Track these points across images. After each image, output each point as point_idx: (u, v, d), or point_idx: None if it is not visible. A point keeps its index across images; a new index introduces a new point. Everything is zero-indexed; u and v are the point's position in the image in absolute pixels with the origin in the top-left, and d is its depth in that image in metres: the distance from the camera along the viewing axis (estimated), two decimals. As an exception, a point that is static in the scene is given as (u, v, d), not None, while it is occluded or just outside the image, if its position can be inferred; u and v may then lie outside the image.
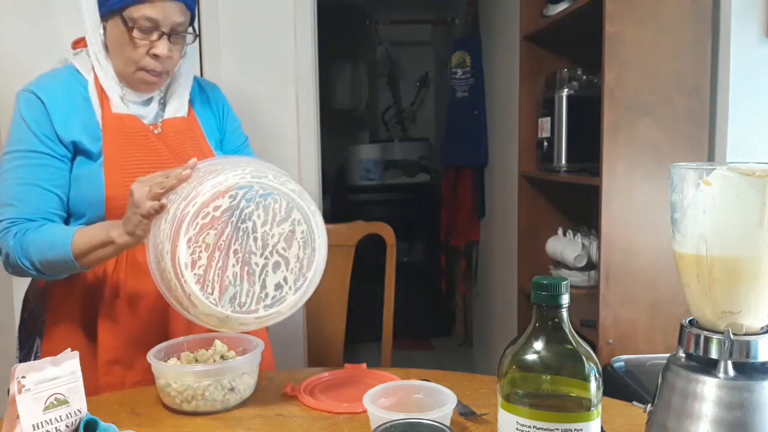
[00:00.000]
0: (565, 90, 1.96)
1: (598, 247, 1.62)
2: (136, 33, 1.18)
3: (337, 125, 4.26)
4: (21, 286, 2.17)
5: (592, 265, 2.02)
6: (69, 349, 0.88)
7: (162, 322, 1.25)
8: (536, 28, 2.13)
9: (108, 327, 1.22)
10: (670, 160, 1.00)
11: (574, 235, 2.09)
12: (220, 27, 2.20)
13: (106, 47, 1.24)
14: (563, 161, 1.98)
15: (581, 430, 0.66)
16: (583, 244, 2.04)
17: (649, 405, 0.73)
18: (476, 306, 3.64)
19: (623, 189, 1.58)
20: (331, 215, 3.73)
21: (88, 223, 1.22)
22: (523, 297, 2.35)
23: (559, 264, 2.15)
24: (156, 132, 1.28)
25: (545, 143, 2.05)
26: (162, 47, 1.20)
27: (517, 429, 0.67)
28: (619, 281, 1.60)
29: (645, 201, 1.58)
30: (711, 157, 1.60)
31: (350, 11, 4.27)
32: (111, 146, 1.23)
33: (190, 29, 1.26)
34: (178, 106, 1.31)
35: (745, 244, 0.64)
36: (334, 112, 4.30)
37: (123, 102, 1.26)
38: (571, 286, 0.98)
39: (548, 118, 2.03)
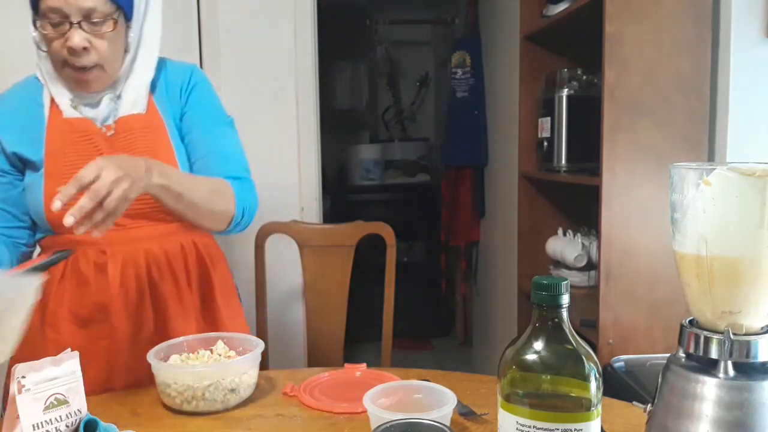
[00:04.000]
0: (565, 90, 1.96)
1: (598, 247, 1.62)
2: (47, 27, 1.11)
3: (337, 125, 4.26)
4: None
5: (592, 265, 2.02)
6: (69, 349, 0.88)
7: (106, 333, 1.20)
8: (536, 28, 2.13)
9: (52, 337, 1.19)
10: (670, 160, 1.00)
11: (574, 235, 2.09)
12: (220, 27, 2.20)
13: (41, 48, 1.18)
14: (563, 161, 1.98)
15: (581, 430, 0.66)
16: (583, 244, 2.04)
17: (649, 405, 0.73)
18: (476, 306, 3.64)
19: (623, 189, 1.58)
20: (331, 215, 3.73)
21: (46, 234, 1.21)
22: (523, 297, 2.35)
23: (559, 264, 2.15)
24: (109, 134, 1.20)
25: (545, 143, 2.05)
26: (75, 38, 1.09)
27: (517, 429, 0.67)
28: (619, 281, 1.60)
29: (645, 201, 1.58)
30: (711, 157, 1.60)
31: (350, 11, 4.27)
32: (52, 155, 1.17)
33: (119, 16, 1.15)
34: (132, 102, 1.21)
35: (745, 244, 0.64)
36: (334, 112, 4.30)
37: (73, 105, 1.19)
38: (571, 286, 0.98)
39: (548, 118, 2.03)
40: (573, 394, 0.66)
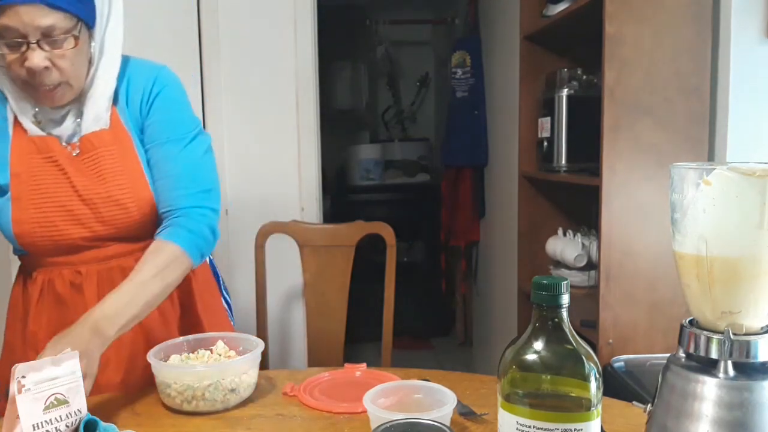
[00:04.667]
0: (565, 90, 1.96)
1: (598, 247, 1.62)
2: (2, 48, 1.02)
3: (337, 125, 4.26)
4: None
5: (592, 265, 2.02)
6: (69, 349, 0.88)
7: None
8: (536, 28, 2.13)
9: (33, 358, 1.16)
10: (670, 160, 1.00)
11: (574, 235, 2.09)
12: (220, 27, 2.20)
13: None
14: (563, 161, 1.98)
15: (581, 430, 0.66)
16: (583, 244, 2.04)
17: (649, 405, 0.73)
18: (476, 306, 3.64)
19: (623, 189, 1.58)
20: (331, 215, 3.73)
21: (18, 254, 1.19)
22: (523, 297, 2.35)
23: (559, 264, 2.15)
24: (74, 153, 1.14)
25: (545, 143, 2.05)
26: (34, 59, 1.02)
27: (517, 429, 0.67)
28: (619, 281, 1.60)
29: (645, 201, 1.58)
30: (711, 157, 1.60)
31: (350, 11, 4.27)
32: (18, 178, 1.12)
33: (81, 29, 1.07)
34: (94, 118, 1.14)
35: (745, 244, 0.64)
36: (334, 112, 4.30)
37: (36, 122, 1.13)
38: (571, 286, 0.98)
39: (548, 118, 2.03)
40: (573, 394, 0.66)
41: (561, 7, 1.93)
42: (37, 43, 1.02)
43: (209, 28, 2.19)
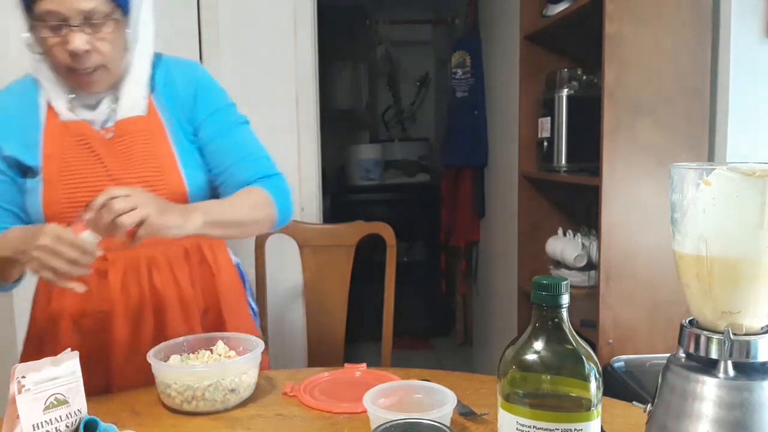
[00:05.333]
0: (565, 90, 1.96)
1: (598, 247, 1.62)
2: (45, 31, 1.07)
3: (337, 125, 4.26)
4: (21, 291, 2.17)
5: (592, 265, 2.02)
6: (69, 349, 0.88)
7: (107, 339, 1.19)
8: (536, 28, 2.13)
9: (54, 343, 1.18)
10: (670, 160, 1.00)
11: (574, 235, 2.09)
12: (220, 27, 2.20)
13: (34, 51, 1.15)
14: (563, 161, 1.98)
15: (581, 430, 0.66)
16: (583, 244, 2.04)
17: (649, 405, 0.73)
18: (476, 306, 3.64)
19: (623, 189, 1.58)
20: (331, 215, 3.73)
21: None
22: (523, 297, 2.35)
23: (559, 264, 2.15)
24: (108, 137, 1.17)
25: (545, 143, 2.05)
26: (76, 42, 1.06)
27: (517, 429, 0.67)
28: (619, 281, 1.60)
29: (645, 201, 1.58)
30: (711, 157, 1.60)
31: (350, 11, 4.27)
32: (50, 160, 1.15)
33: (118, 14, 1.11)
34: (131, 104, 1.18)
35: (745, 244, 0.64)
36: (334, 112, 4.30)
37: (70, 108, 1.17)
38: (571, 286, 0.98)
39: (548, 118, 2.03)
40: (573, 394, 0.66)
41: (561, 7, 1.93)
42: (79, 26, 1.06)
43: (209, 28, 2.19)
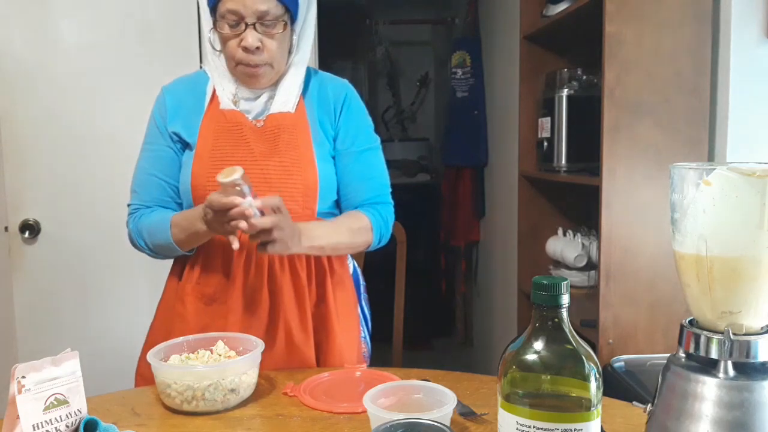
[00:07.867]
0: (565, 90, 1.96)
1: (598, 247, 1.62)
2: (225, 28, 1.23)
3: (337, 125, 4.25)
4: (20, 287, 2.17)
5: (592, 265, 2.02)
6: (69, 349, 0.89)
7: (225, 312, 1.28)
8: (536, 28, 2.13)
9: (180, 311, 1.30)
10: (670, 160, 1.00)
11: (574, 235, 2.09)
12: (220, 27, 2.19)
13: (214, 47, 1.30)
14: (563, 161, 1.98)
15: (581, 430, 0.66)
16: (583, 244, 2.04)
17: (649, 405, 0.73)
18: (476, 306, 3.64)
19: (623, 189, 1.58)
20: (331, 215, 3.72)
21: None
22: (523, 297, 2.35)
23: (559, 264, 2.15)
24: (258, 126, 1.30)
25: (545, 143, 2.05)
26: (249, 38, 1.21)
27: (517, 429, 0.67)
28: (619, 281, 1.60)
29: (645, 201, 1.58)
30: (711, 157, 1.60)
31: (350, 11, 4.27)
32: (204, 139, 1.29)
33: (287, 18, 1.25)
34: (284, 101, 1.31)
35: (745, 244, 0.64)
36: (334, 112, 4.29)
37: (234, 99, 1.31)
38: (571, 286, 0.98)
39: (548, 118, 2.03)
40: (573, 394, 0.66)
41: (561, 7, 1.93)
42: (253, 25, 1.21)
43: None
